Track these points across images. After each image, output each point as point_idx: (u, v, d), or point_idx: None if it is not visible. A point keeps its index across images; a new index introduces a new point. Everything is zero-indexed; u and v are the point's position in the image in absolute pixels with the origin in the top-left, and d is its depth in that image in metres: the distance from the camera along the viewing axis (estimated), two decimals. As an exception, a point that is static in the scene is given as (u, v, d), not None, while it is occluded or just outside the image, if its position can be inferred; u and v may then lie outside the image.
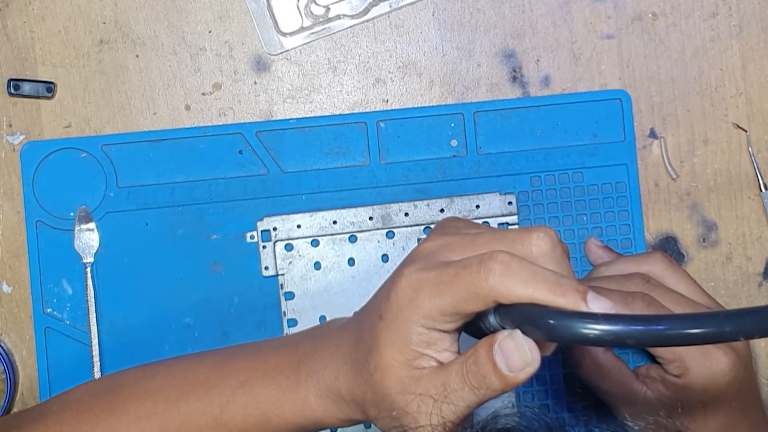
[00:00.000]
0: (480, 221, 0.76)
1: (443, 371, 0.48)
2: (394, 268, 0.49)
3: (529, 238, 0.48)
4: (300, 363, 0.56)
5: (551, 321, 0.44)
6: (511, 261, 0.46)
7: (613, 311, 0.45)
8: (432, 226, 0.76)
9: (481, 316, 0.49)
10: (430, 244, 0.51)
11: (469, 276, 0.46)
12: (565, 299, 0.45)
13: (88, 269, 0.75)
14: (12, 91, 0.75)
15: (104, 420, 0.59)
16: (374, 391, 0.50)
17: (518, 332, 0.46)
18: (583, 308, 0.45)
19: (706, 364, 0.64)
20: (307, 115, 0.77)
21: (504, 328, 0.47)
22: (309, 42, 0.77)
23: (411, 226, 0.76)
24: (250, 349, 0.60)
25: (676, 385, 0.65)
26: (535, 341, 0.47)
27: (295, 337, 0.60)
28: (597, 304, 0.45)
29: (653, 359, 0.68)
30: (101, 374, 0.74)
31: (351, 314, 0.58)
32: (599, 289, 0.66)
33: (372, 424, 0.69)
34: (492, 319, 0.48)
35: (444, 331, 0.48)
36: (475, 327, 0.50)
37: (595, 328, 0.44)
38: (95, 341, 0.75)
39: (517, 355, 0.46)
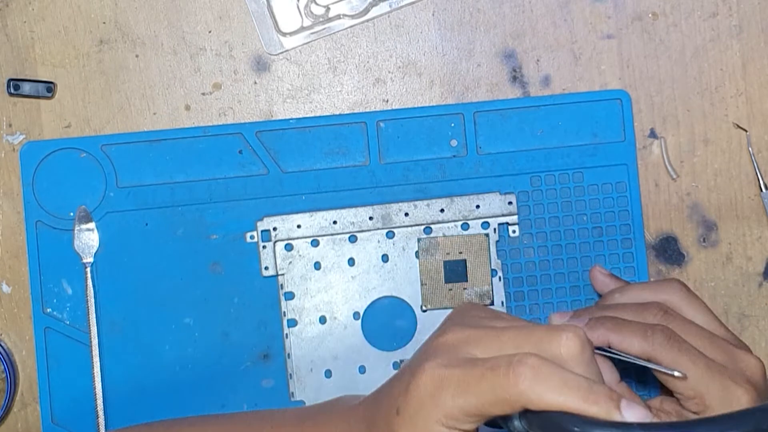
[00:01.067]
0: (480, 221, 0.76)
1: None
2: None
3: (558, 339, 0.47)
4: None
5: (582, 430, 0.43)
6: (541, 366, 0.44)
7: (647, 419, 0.44)
8: (432, 226, 0.76)
9: (505, 416, 0.47)
10: (450, 337, 0.49)
11: (497, 379, 0.45)
12: (598, 408, 0.44)
13: (88, 269, 0.75)
14: (12, 91, 0.75)
15: None
16: None
17: None
18: (617, 418, 0.44)
19: (726, 402, 0.62)
20: (307, 115, 0.77)
21: None
22: (309, 42, 0.77)
23: (411, 226, 0.76)
24: (255, 421, 0.58)
25: None
26: None
27: (299, 416, 0.58)
28: (631, 413, 0.44)
29: (667, 391, 0.67)
30: (101, 376, 0.74)
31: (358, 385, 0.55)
32: (620, 324, 0.65)
33: None
34: (517, 423, 0.47)
35: (464, 430, 0.47)
36: (494, 421, 0.49)
37: None
38: (95, 341, 0.75)
39: None
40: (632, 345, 0.63)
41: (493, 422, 0.49)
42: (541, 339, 0.47)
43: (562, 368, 0.45)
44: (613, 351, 0.65)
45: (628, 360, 0.64)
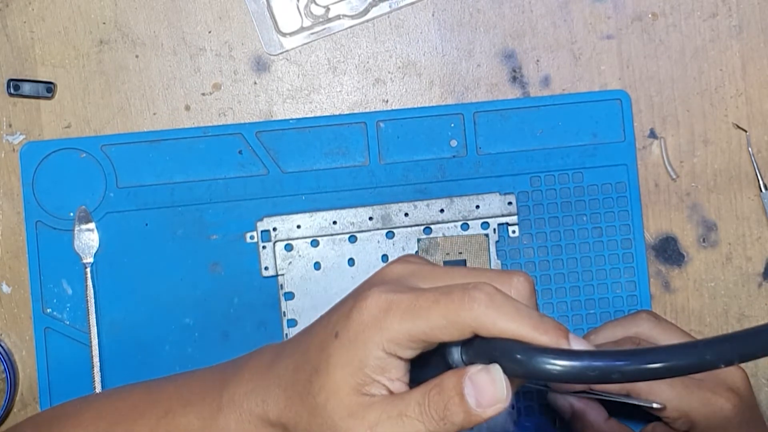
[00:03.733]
0: (480, 221, 0.76)
1: (400, 400, 0.46)
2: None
3: (509, 281, 0.47)
4: (223, 388, 0.52)
5: (535, 357, 0.44)
6: (496, 293, 0.45)
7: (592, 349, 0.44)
8: (432, 226, 0.76)
9: (442, 348, 0.47)
10: (396, 268, 0.49)
11: (451, 303, 0.45)
12: (548, 337, 0.44)
13: (88, 269, 0.75)
14: (12, 91, 0.75)
15: None
16: (314, 414, 0.47)
17: (497, 367, 0.45)
18: (565, 346, 0.44)
19: (711, 413, 0.63)
20: (307, 116, 0.77)
21: (473, 364, 0.46)
22: (309, 42, 0.77)
23: (411, 226, 0.76)
24: (182, 376, 0.57)
25: None
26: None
27: (223, 364, 0.56)
28: (578, 344, 0.44)
29: (656, 418, 0.68)
30: (101, 375, 0.75)
31: None
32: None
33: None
34: (456, 355, 0.47)
35: (402, 359, 0.46)
36: (422, 363, 0.48)
37: (578, 365, 0.43)
38: (95, 341, 0.75)
39: (491, 389, 0.45)
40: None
41: (425, 361, 0.48)
42: (492, 278, 0.47)
43: (515, 299, 0.45)
44: (594, 392, 0.66)
45: (609, 399, 0.66)
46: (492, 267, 0.76)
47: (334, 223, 0.76)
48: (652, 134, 0.78)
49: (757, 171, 0.78)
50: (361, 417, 0.46)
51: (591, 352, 0.44)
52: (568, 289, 0.77)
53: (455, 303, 0.45)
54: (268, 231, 0.76)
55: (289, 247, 0.76)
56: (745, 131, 0.78)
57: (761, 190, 0.77)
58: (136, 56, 0.77)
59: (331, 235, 0.76)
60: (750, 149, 0.78)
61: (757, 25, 0.78)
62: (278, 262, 0.76)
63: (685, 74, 0.78)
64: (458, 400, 0.45)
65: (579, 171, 0.77)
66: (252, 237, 0.76)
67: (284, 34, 0.77)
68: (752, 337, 0.43)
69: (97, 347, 0.75)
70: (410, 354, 0.46)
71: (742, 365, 0.66)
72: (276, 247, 0.76)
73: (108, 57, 0.77)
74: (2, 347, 0.75)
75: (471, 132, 0.77)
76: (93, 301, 0.75)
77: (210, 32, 0.77)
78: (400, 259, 0.50)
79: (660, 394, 0.64)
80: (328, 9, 0.77)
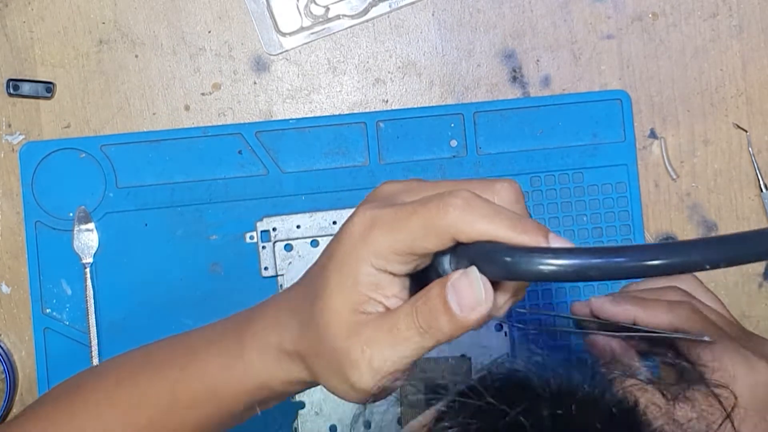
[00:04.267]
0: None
1: (392, 314, 0.46)
2: None
3: (492, 187, 0.47)
4: (247, 326, 0.53)
5: (510, 257, 0.43)
6: (472, 197, 0.45)
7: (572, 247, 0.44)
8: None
9: (434, 262, 0.47)
10: (387, 188, 0.49)
11: (428, 212, 0.45)
12: (527, 236, 0.44)
13: (88, 270, 0.75)
14: (11, 91, 0.75)
15: (69, 402, 0.58)
16: (319, 336, 0.48)
17: (474, 268, 0.44)
18: (544, 245, 0.44)
19: (750, 372, 0.63)
20: (307, 116, 0.77)
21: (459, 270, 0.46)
22: (309, 42, 0.77)
23: (411, 226, 0.76)
24: (211, 324, 0.58)
25: (721, 397, 0.65)
26: (493, 285, 0.45)
27: (244, 310, 0.58)
28: (558, 241, 0.44)
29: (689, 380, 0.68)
30: (101, 375, 0.75)
31: None
32: (643, 300, 0.66)
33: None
34: (447, 264, 0.46)
35: (394, 275, 0.46)
36: (425, 278, 0.48)
37: (556, 263, 0.42)
38: (94, 342, 0.75)
39: (470, 292, 0.44)
40: (659, 317, 0.65)
41: (424, 277, 0.48)
42: (475, 186, 0.47)
43: (494, 203, 0.45)
44: (638, 327, 0.66)
45: (656, 334, 0.65)
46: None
47: (334, 223, 0.76)
48: (652, 134, 0.78)
49: (757, 171, 0.78)
50: (357, 334, 0.46)
51: (570, 249, 0.43)
52: (568, 290, 0.77)
53: (431, 211, 0.45)
54: (267, 231, 0.76)
55: (288, 248, 0.76)
56: (746, 131, 0.78)
57: (761, 190, 0.77)
58: (136, 56, 0.77)
59: (331, 235, 0.76)
60: (750, 149, 0.78)
61: (757, 25, 0.78)
62: (278, 262, 0.76)
63: (686, 74, 0.78)
64: (442, 307, 0.45)
65: (579, 171, 0.77)
66: (252, 237, 0.76)
67: (284, 34, 0.77)
68: (741, 241, 0.43)
69: (96, 347, 0.75)
70: (402, 269, 0.46)
71: None
72: (276, 248, 0.76)
73: (107, 57, 0.76)
74: (2, 347, 0.75)
75: (471, 132, 0.77)
76: (92, 301, 0.75)
77: (210, 32, 0.77)
78: (395, 181, 0.51)
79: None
80: (327, 9, 0.77)
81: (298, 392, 0.57)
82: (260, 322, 0.53)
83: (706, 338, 0.63)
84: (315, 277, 0.49)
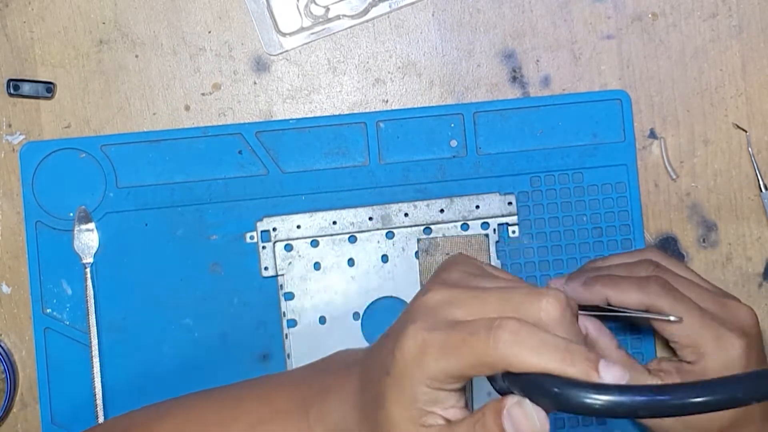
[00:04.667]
0: (480, 221, 0.76)
1: (450, 429, 0.48)
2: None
3: (538, 303, 0.47)
4: (308, 406, 0.55)
5: (559, 391, 0.44)
6: (520, 329, 0.45)
7: (625, 380, 0.44)
8: (432, 226, 0.76)
9: (489, 376, 0.48)
10: (433, 297, 0.50)
11: (477, 343, 0.46)
12: (576, 369, 0.44)
13: (88, 270, 0.75)
14: (11, 91, 0.75)
15: None
16: None
17: (527, 402, 0.46)
18: (595, 378, 0.44)
19: (721, 348, 0.65)
20: (307, 116, 0.77)
21: (512, 392, 0.47)
22: (309, 42, 0.77)
23: (411, 226, 0.76)
24: (260, 388, 0.60)
25: (692, 373, 0.66)
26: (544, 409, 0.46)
27: (299, 375, 0.59)
28: (609, 374, 0.45)
29: (664, 350, 0.69)
30: (101, 376, 0.75)
31: (352, 346, 0.57)
32: (615, 279, 0.67)
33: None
34: (501, 383, 0.47)
35: (450, 390, 0.48)
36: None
37: (606, 400, 0.43)
38: (95, 342, 0.75)
39: (527, 424, 0.46)
40: (630, 297, 0.66)
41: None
42: (521, 303, 0.47)
43: (541, 331, 0.46)
44: (611, 308, 0.67)
45: (626, 314, 0.67)
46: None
47: (334, 223, 0.76)
48: (652, 134, 0.78)
49: (757, 171, 0.78)
50: None
51: (619, 387, 0.43)
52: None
53: (481, 343, 0.46)
54: (267, 231, 0.76)
55: (288, 248, 0.76)
56: (745, 131, 0.78)
57: (761, 190, 0.77)
58: (136, 56, 0.77)
59: (331, 235, 0.76)
60: (750, 149, 0.78)
61: (757, 25, 0.78)
62: (278, 262, 0.76)
63: (685, 74, 0.78)
64: None
65: (579, 171, 0.77)
66: (252, 237, 0.76)
67: (284, 34, 0.77)
68: None
69: (96, 347, 0.75)
70: (456, 386, 0.48)
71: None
72: (276, 248, 0.76)
73: (108, 57, 0.77)
74: (2, 347, 0.75)
75: (471, 132, 0.77)
76: (93, 301, 0.75)
77: (210, 32, 0.77)
78: (443, 270, 0.52)
79: (677, 315, 0.66)
80: (328, 9, 0.77)
81: None
82: (326, 405, 0.55)
83: (671, 318, 0.65)
84: (374, 383, 0.50)
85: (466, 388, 0.49)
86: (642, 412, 0.43)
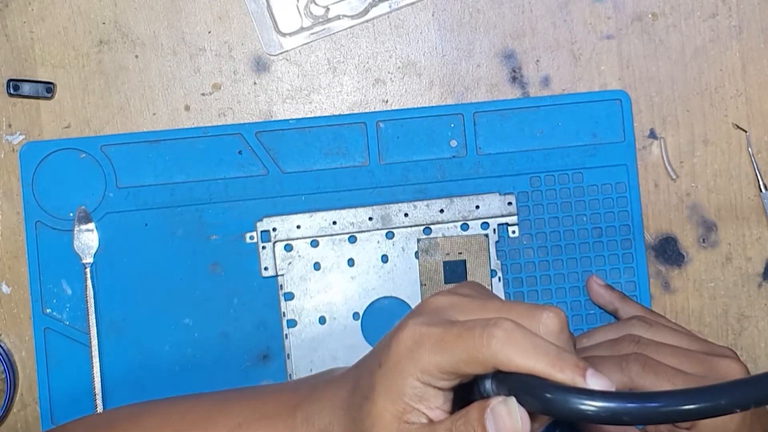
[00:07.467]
0: (480, 221, 0.76)
1: (432, 429, 0.48)
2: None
3: (539, 315, 0.48)
4: (297, 407, 0.56)
5: (548, 394, 0.45)
6: (514, 330, 0.46)
7: (611, 389, 0.45)
8: (432, 226, 0.76)
9: (477, 379, 0.49)
10: (439, 300, 0.51)
11: (471, 339, 0.46)
12: (564, 374, 0.45)
13: (88, 270, 0.75)
14: (11, 91, 0.75)
15: None
16: None
17: (513, 399, 0.46)
18: (581, 384, 0.45)
19: (716, 420, 0.64)
20: (307, 116, 0.77)
21: (499, 395, 0.47)
22: (309, 42, 0.77)
23: (410, 226, 0.76)
24: (249, 392, 0.60)
25: None
26: (529, 414, 0.47)
27: (295, 383, 0.60)
28: (596, 381, 0.45)
29: None
30: (100, 376, 0.75)
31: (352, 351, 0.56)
32: (596, 360, 0.67)
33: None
34: (488, 385, 0.48)
35: (439, 389, 0.48)
36: (468, 391, 0.50)
37: (591, 405, 0.44)
38: (95, 342, 0.75)
39: (508, 421, 0.46)
40: (611, 379, 0.65)
41: (466, 389, 0.50)
42: (522, 313, 0.48)
43: (535, 335, 0.47)
44: None
45: None
46: (491, 267, 0.76)
47: (334, 223, 0.76)
48: (652, 134, 0.78)
49: (757, 171, 0.78)
50: None
51: (609, 393, 0.44)
52: (568, 290, 0.77)
53: (475, 339, 0.46)
54: (267, 231, 0.76)
55: (288, 248, 0.76)
56: (745, 131, 0.78)
57: (761, 190, 0.77)
58: (136, 56, 0.77)
59: (331, 235, 0.76)
60: (750, 149, 0.78)
61: (757, 25, 0.78)
62: (278, 262, 0.76)
63: (685, 74, 0.78)
64: (481, 430, 0.47)
65: (579, 171, 0.77)
66: (252, 237, 0.76)
67: (284, 35, 0.77)
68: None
69: (96, 347, 0.75)
70: (446, 384, 0.48)
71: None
72: (276, 248, 0.76)
73: (108, 57, 0.77)
74: (2, 347, 0.75)
75: (471, 132, 0.77)
76: (93, 301, 0.75)
77: (210, 32, 0.77)
78: (454, 287, 0.53)
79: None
80: (327, 9, 0.77)
81: None
82: (313, 406, 0.55)
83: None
84: (364, 377, 0.51)
85: (454, 394, 0.50)
86: (628, 418, 0.43)
